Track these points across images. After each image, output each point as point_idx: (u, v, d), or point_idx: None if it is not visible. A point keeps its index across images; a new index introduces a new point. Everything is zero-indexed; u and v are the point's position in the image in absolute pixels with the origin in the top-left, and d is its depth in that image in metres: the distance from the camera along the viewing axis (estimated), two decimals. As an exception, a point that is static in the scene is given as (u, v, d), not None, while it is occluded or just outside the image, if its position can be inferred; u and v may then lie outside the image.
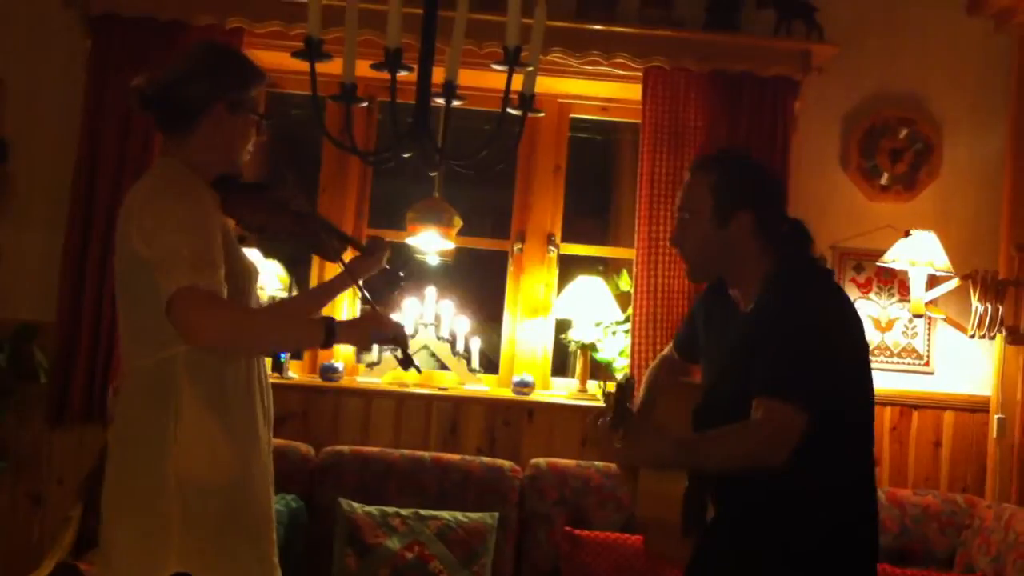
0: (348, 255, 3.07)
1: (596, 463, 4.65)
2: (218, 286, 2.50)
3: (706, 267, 2.82)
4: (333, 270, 4.82)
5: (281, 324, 2.83)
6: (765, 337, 2.61)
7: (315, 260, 5.03)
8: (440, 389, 4.95)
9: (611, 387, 2.73)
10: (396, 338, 2.74)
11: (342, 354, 5.03)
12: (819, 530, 2.63)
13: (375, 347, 4.97)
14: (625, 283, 5.10)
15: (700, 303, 3.02)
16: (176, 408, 2.54)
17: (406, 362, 2.79)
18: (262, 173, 4.52)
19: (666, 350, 3.17)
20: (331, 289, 3.16)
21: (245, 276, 2.70)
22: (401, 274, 3.03)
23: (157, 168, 2.74)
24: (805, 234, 2.79)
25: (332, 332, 2.59)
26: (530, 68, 2.59)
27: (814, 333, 2.59)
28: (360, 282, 2.92)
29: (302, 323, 2.84)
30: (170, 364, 2.55)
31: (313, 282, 5.02)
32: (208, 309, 2.46)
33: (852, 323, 2.71)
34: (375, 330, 2.72)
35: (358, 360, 5.05)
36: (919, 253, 4.63)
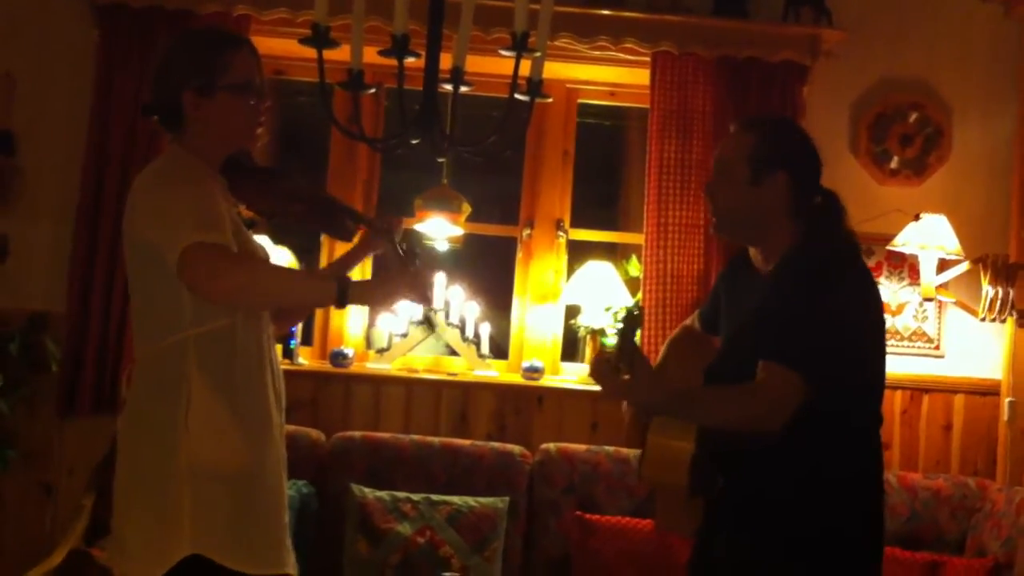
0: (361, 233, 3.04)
1: (606, 448, 4.66)
2: (226, 243, 2.48)
3: (733, 222, 2.79)
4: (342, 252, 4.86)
5: (293, 276, 2.74)
6: (780, 305, 2.61)
7: (325, 246, 5.03)
8: (450, 375, 4.96)
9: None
10: (422, 297, 2.63)
11: (352, 341, 5.04)
12: (829, 512, 2.63)
13: (386, 334, 4.99)
14: (634, 268, 5.10)
15: (723, 274, 3.02)
16: (186, 394, 2.54)
17: (427, 320, 2.76)
18: (269, 159, 4.53)
19: (689, 320, 3.16)
20: (345, 263, 3.11)
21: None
22: (416, 251, 3.00)
23: (163, 155, 2.74)
24: (838, 207, 2.78)
25: (345, 291, 2.51)
26: (538, 54, 2.59)
27: (829, 308, 2.58)
28: (397, 241, 2.86)
29: (315, 278, 2.75)
30: (179, 350, 2.56)
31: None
32: (219, 260, 2.43)
33: (871, 303, 2.70)
34: (395, 290, 2.62)
35: (368, 346, 5.05)
36: (929, 237, 4.62)
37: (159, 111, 2.69)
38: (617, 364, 2.53)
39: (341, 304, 2.55)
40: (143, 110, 2.73)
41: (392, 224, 2.94)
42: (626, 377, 2.51)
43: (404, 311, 4.99)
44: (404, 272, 2.63)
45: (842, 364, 2.56)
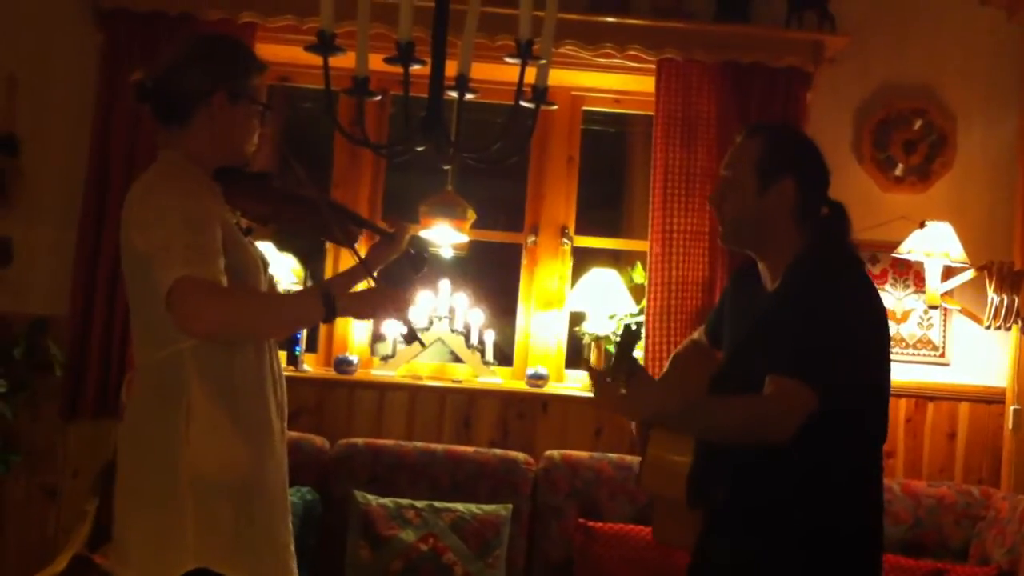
0: (365, 239, 3.04)
1: (609, 455, 4.66)
2: (215, 276, 2.46)
3: (739, 232, 2.78)
4: (349, 258, 4.85)
5: (278, 303, 2.77)
6: (787, 316, 2.59)
7: (330, 252, 5.04)
8: (454, 382, 4.96)
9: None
10: (399, 315, 2.66)
11: (356, 348, 5.04)
12: (828, 523, 2.63)
13: (390, 339, 4.98)
14: (639, 275, 5.10)
15: (729, 286, 3.02)
16: (187, 404, 2.53)
17: (411, 336, 2.75)
18: (272, 165, 4.53)
19: (696, 334, 3.16)
20: (349, 277, 3.13)
21: (251, 268, 2.68)
22: (425, 255, 2.99)
23: (158, 163, 2.70)
24: (844, 218, 2.78)
25: (331, 305, 2.52)
26: (543, 61, 2.59)
27: (837, 319, 2.57)
28: (371, 264, 2.87)
29: (299, 298, 2.79)
30: (178, 359, 2.55)
31: (328, 274, 5.02)
32: (203, 297, 2.41)
33: (876, 316, 2.70)
34: (379, 305, 2.64)
35: (372, 353, 5.05)
36: (934, 244, 4.62)
37: (164, 100, 2.68)
38: (614, 378, 2.52)
39: (328, 319, 2.56)
40: (139, 94, 2.68)
41: (402, 230, 2.94)
42: (623, 391, 2.51)
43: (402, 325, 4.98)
44: (390, 291, 2.65)
45: (850, 374, 2.56)
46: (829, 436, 2.54)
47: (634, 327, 2.60)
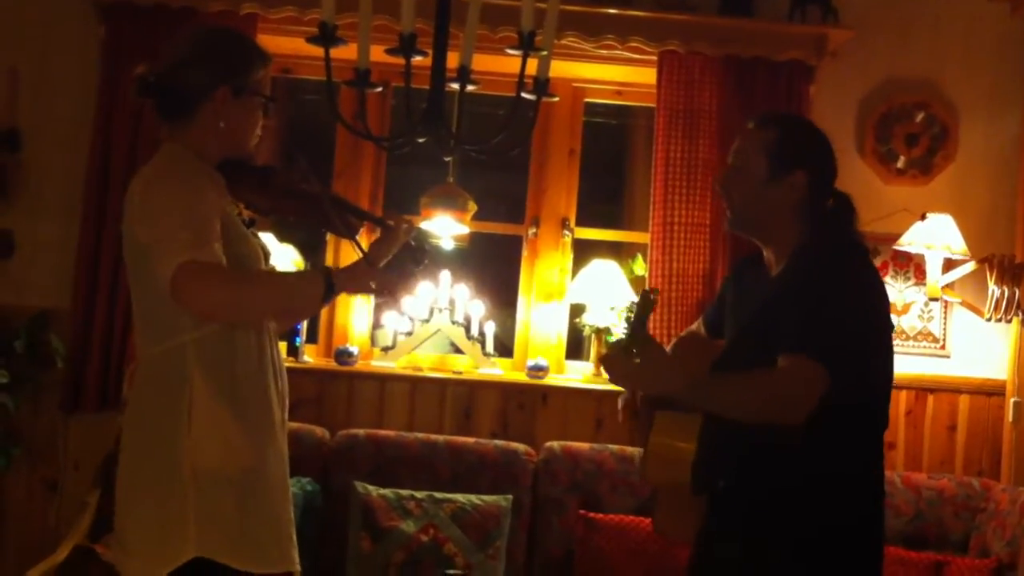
0: (366, 231, 3.04)
1: (610, 446, 4.66)
2: (218, 259, 2.47)
3: (747, 219, 2.78)
4: (349, 251, 4.84)
5: (280, 278, 2.80)
6: (796, 299, 2.58)
7: (330, 244, 5.05)
8: (455, 373, 4.96)
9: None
10: (392, 295, 2.74)
11: (357, 339, 5.04)
12: (830, 514, 2.63)
13: (390, 329, 4.99)
14: (640, 267, 5.10)
15: (730, 276, 3.02)
16: (188, 396, 2.53)
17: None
18: (275, 157, 4.52)
19: (694, 325, 3.15)
20: (351, 272, 3.15)
21: (253, 259, 2.69)
22: (426, 248, 3.00)
23: (160, 155, 2.70)
24: (850, 208, 2.78)
25: (331, 281, 2.58)
26: (544, 52, 2.59)
27: (846, 304, 2.57)
28: (358, 241, 2.91)
29: (301, 276, 2.80)
30: (180, 351, 2.55)
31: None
32: (208, 278, 2.43)
33: (882, 302, 2.70)
34: (375, 280, 2.70)
35: (373, 344, 5.05)
36: (935, 237, 4.62)
37: (167, 95, 2.68)
38: (629, 349, 2.45)
39: (328, 296, 2.62)
40: (142, 89, 2.68)
41: (401, 222, 2.94)
42: (637, 361, 2.46)
43: (410, 310, 4.99)
44: (376, 271, 2.73)
45: (859, 360, 2.56)
46: (835, 424, 2.54)
47: (652, 295, 2.50)
